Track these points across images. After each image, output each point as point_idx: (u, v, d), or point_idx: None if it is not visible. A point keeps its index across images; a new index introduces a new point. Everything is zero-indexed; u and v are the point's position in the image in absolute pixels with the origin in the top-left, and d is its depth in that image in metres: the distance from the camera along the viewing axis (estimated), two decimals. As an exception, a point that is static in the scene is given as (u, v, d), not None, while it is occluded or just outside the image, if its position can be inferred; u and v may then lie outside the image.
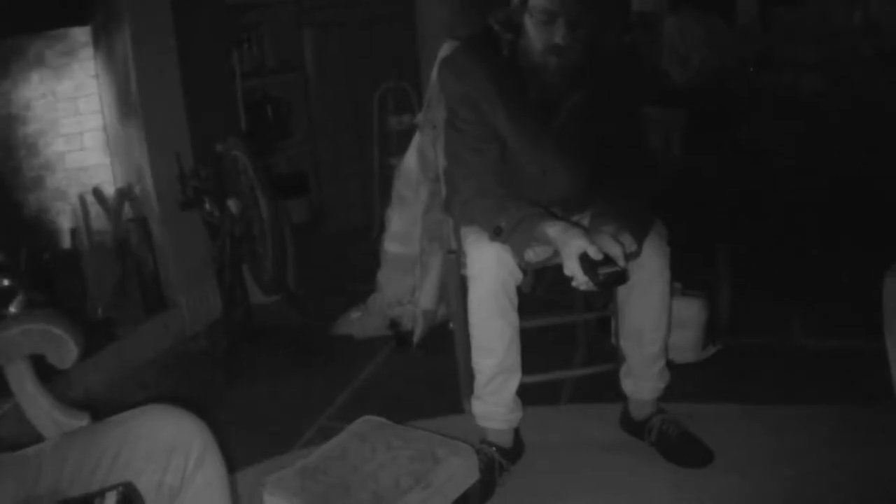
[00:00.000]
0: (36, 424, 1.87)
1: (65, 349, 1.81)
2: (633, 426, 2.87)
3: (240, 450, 2.72)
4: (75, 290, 3.66)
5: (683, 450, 2.72)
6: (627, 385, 2.84)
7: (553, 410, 3.11)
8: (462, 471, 2.32)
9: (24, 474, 1.63)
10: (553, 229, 2.37)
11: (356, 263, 4.48)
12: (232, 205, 3.56)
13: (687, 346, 3.31)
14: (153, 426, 1.67)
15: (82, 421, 1.86)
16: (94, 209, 3.81)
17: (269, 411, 3.30)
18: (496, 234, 2.45)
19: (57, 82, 3.71)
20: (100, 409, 1.90)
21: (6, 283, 3.18)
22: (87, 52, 3.77)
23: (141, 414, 1.71)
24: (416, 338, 3.69)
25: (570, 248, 2.28)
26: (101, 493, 1.12)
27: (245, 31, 4.95)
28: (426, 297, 3.62)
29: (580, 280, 2.30)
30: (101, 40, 3.74)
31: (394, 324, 3.81)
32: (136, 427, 1.67)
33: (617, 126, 2.63)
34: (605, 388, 2.98)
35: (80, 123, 3.82)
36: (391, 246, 3.85)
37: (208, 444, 1.69)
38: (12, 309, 3.08)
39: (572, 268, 2.29)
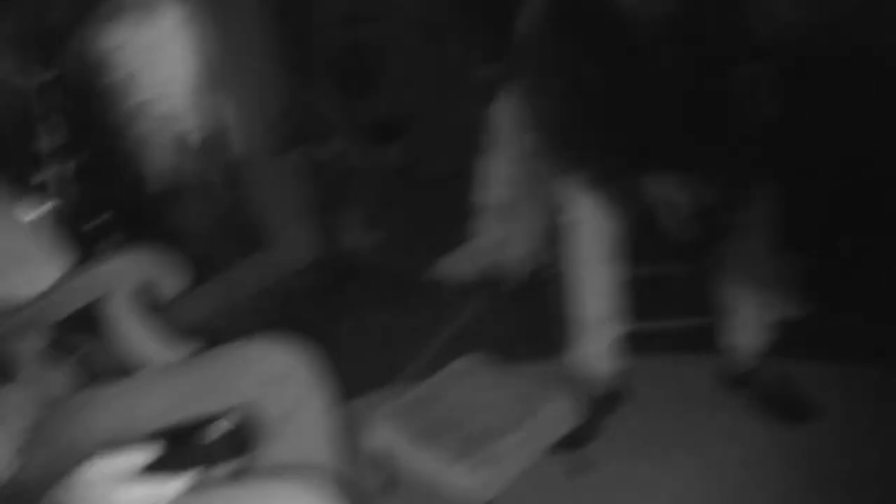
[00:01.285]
0: (140, 355, 1.88)
1: (171, 278, 1.80)
2: (736, 378, 2.82)
3: (340, 386, 2.74)
4: (173, 232, 3.67)
5: (785, 404, 2.68)
6: (732, 337, 2.79)
7: (655, 360, 3.04)
8: (561, 416, 2.32)
9: (128, 403, 1.64)
10: (657, 181, 2.33)
11: (454, 208, 4.43)
12: (331, 147, 3.54)
13: (789, 301, 3.23)
14: (262, 356, 1.67)
15: (188, 351, 1.86)
16: (192, 152, 3.82)
17: (367, 351, 3.30)
18: (597, 180, 2.41)
19: (145, 28, 3.70)
20: (202, 342, 1.89)
21: (104, 221, 3.19)
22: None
23: (251, 344, 1.71)
24: (514, 284, 3.66)
25: (678, 197, 2.25)
26: (213, 421, 1.10)
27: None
28: (524, 244, 3.58)
29: (682, 229, 2.26)
30: (191, -17, 3.73)
31: (491, 270, 3.76)
32: (245, 357, 1.68)
33: (717, 78, 2.57)
34: (708, 340, 2.91)
35: (168, 69, 3.81)
36: (489, 192, 3.82)
37: (316, 376, 1.70)
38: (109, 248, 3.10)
39: (677, 217, 2.25)
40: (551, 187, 2.87)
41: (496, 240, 3.79)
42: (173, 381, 1.66)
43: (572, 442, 2.45)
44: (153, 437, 1.10)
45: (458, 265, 3.86)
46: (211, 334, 1.91)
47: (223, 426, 1.08)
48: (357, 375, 2.99)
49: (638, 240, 3.01)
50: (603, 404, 2.68)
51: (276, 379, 1.63)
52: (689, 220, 2.24)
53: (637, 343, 2.84)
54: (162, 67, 3.78)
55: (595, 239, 2.50)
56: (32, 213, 1.83)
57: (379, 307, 3.68)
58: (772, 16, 4.67)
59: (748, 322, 2.72)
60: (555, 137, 2.60)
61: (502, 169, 3.71)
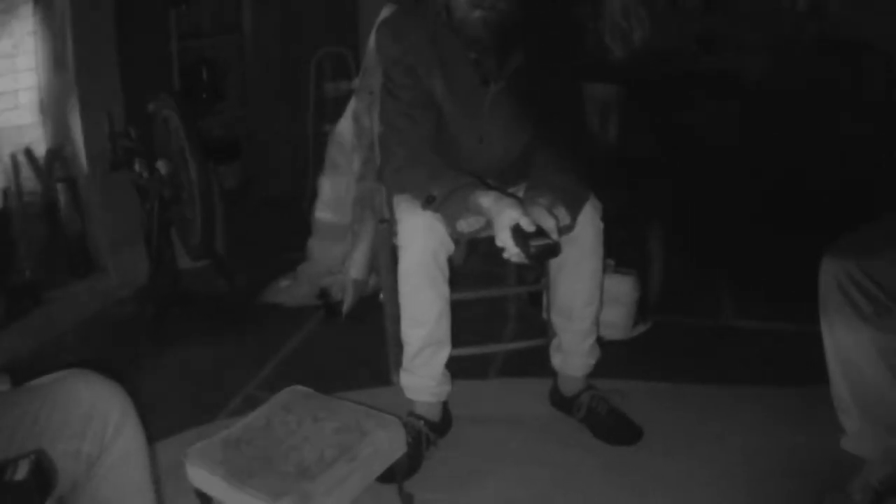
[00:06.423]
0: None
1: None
2: (562, 402, 2.85)
3: (163, 419, 2.70)
4: (3, 252, 3.55)
5: (612, 427, 2.72)
6: (557, 360, 2.83)
7: (482, 384, 3.09)
8: (389, 444, 2.29)
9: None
10: (486, 199, 2.33)
11: (287, 231, 4.39)
12: (161, 166, 3.46)
13: (618, 323, 3.31)
14: (70, 393, 1.61)
15: (2, 385, 1.79)
16: (25, 169, 3.70)
17: (194, 379, 3.21)
18: (428, 203, 2.40)
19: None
20: (22, 373, 1.83)
21: None
22: (27, 9, 3.66)
23: (59, 380, 1.65)
24: (345, 308, 3.63)
25: (503, 218, 2.25)
26: (14, 462, 1.06)
27: (183, -9, 4.83)
28: (356, 267, 3.56)
29: (511, 252, 2.26)
30: (41, -4, 3.64)
31: (323, 293, 3.75)
32: (53, 393, 1.62)
33: (556, 93, 2.60)
34: (536, 363, 2.97)
35: (15, 81, 3.70)
36: (323, 214, 3.80)
37: (127, 412, 1.65)
38: None
39: (504, 239, 2.25)
40: (385, 208, 2.88)
41: (330, 263, 3.78)
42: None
43: (398, 473, 2.41)
44: None
45: (292, 289, 3.84)
46: (30, 367, 1.84)
47: (23, 469, 1.03)
48: (181, 408, 2.95)
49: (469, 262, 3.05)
50: (430, 431, 2.67)
51: (80, 418, 1.58)
52: (521, 240, 2.23)
53: (465, 366, 2.86)
54: (12, 78, 3.68)
55: (424, 262, 2.49)
56: None
57: (208, 334, 3.61)
58: (628, 40, 4.77)
59: (571, 344, 2.76)
60: (393, 157, 2.59)
61: (339, 189, 3.69)
